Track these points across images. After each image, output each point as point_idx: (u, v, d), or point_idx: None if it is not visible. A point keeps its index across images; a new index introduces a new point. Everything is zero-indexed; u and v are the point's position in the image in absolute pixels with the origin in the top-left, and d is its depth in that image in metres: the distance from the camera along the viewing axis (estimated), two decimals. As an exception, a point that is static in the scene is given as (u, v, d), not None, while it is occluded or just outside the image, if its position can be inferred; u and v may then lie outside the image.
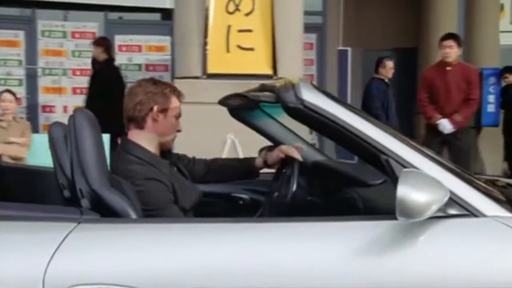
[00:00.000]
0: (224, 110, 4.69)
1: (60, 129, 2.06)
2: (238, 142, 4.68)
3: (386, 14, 9.35)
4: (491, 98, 8.30)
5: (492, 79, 8.26)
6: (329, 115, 1.80)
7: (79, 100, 8.24)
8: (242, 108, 2.65)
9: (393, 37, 9.29)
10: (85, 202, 1.80)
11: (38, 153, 5.45)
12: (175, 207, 2.15)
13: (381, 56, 7.07)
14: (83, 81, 8.24)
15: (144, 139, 2.24)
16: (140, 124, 2.24)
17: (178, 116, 2.33)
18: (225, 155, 4.63)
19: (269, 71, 5.08)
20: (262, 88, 2.12)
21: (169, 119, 2.28)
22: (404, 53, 9.30)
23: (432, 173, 1.70)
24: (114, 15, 8.46)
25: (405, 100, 8.35)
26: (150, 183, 2.11)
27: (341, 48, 9.08)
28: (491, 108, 8.31)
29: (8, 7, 8.09)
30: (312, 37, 8.86)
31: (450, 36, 5.65)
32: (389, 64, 6.89)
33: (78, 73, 8.23)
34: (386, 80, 6.90)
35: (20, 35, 8.05)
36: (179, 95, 2.32)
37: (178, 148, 4.85)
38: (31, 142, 5.38)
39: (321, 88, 1.96)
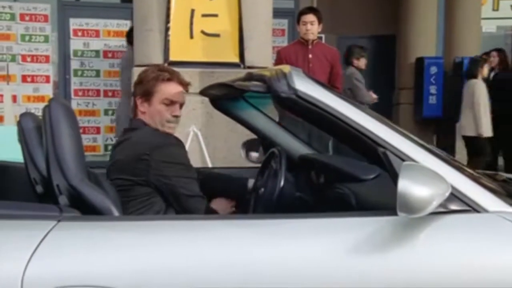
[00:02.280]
0: (187, 100, 4.69)
1: (31, 120, 2.04)
2: (201, 135, 4.68)
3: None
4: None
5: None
6: (324, 106, 1.83)
7: (29, 89, 8.10)
8: (225, 98, 2.66)
9: (369, 23, 9.44)
10: (63, 199, 1.80)
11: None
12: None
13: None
14: (34, 68, 8.10)
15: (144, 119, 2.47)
16: (136, 113, 2.47)
17: (167, 102, 2.45)
18: (187, 148, 4.62)
19: (236, 59, 5.05)
20: (250, 78, 2.15)
21: (155, 106, 2.42)
22: (382, 41, 9.46)
23: (433, 166, 1.75)
24: (68, -4, 8.32)
25: (383, 89, 8.48)
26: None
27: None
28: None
29: (-51, -13, 7.88)
30: (284, 23, 8.91)
31: (310, 10, 5.35)
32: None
33: (28, 59, 8.06)
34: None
35: (-38, 17, 7.86)
36: (177, 81, 2.48)
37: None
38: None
39: (313, 77, 1.99)
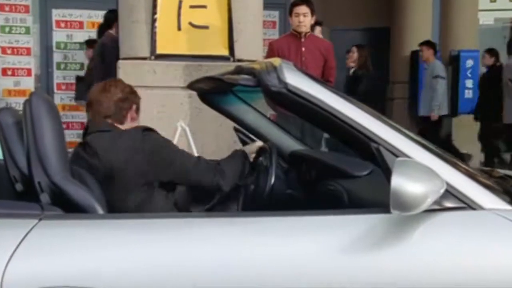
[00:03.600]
0: (174, 95, 4.66)
1: (10, 115, 2.03)
2: (189, 130, 4.67)
3: (355, -9, 9.51)
4: (469, 83, 8.48)
5: (470, 62, 8.45)
6: (315, 100, 1.84)
7: (10, 83, 8.05)
8: (214, 92, 2.66)
9: (363, 16, 9.47)
10: (44, 197, 1.79)
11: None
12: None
13: None
14: (15, 61, 8.05)
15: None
16: (120, 120, 2.54)
17: None
18: (175, 143, 4.62)
19: (225, 52, 5.03)
20: (239, 71, 2.15)
21: (139, 118, 2.62)
22: (375, 33, 9.48)
23: (427, 162, 1.76)
24: (50, -14, 8.27)
25: (376, 83, 8.50)
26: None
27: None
28: (468, 94, 8.49)
29: None
30: (275, 15, 8.92)
31: (303, 1, 5.25)
32: None
33: (8, 51, 8.02)
34: None
35: None
36: None
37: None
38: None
39: (305, 71, 1.99)
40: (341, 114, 1.83)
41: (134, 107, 2.59)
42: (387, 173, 1.72)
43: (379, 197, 1.84)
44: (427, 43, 8.04)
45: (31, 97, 1.95)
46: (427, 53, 7.96)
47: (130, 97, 2.59)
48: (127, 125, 2.54)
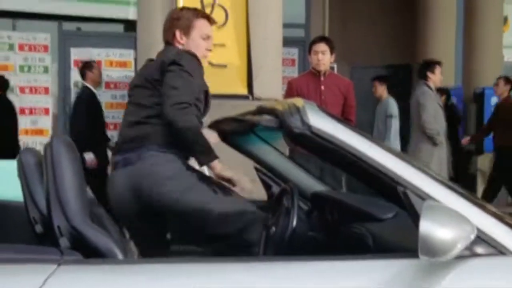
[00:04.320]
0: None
1: (32, 155, 2.06)
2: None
3: (375, 28, 9.57)
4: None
5: (494, 100, 8.40)
6: (339, 142, 1.84)
7: (27, 122, 8.16)
8: (235, 132, 2.67)
9: (384, 52, 9.50)
10: (64, 241, 1.80)
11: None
12: None
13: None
14: (32, 100, 8.18)
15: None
16: (170, 43, 3.00)
17: (204, 37, 3.01)
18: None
19: (244, 91, 5.08)
20: (261, 111, 2.16)
21: (194, 40, 2.97)
22: (397, 71, 9.50)
23: (457, 206, 1.74)
24: (69, 26, 8.44)
25: (400, 121, 8.48)
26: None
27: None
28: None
29: None
30: (294, 52, 9.00)
31: (322, 39, 5.36)
32: None
33: (26, 91, 8.16)
34: None
35: (-43, 47, 7.98)
36: (208, 18, 3.08)
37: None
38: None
39: (328, 112, 2.00)
40: (366, 157, 1.82)
41: (177, 32, 2.99)
42: (415, 218, 1.70)
43: (405, 241, 1.82)
44: (380, 78, 7.83)
45: (52, 140, 1.98)
46: (380, 89, 7.72)
47: (175, 24, 3.01)
48: None
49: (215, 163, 2.70)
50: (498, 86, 7.82)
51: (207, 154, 2.67)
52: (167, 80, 2.74)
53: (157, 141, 2.71)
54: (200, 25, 3.00)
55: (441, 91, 8.16)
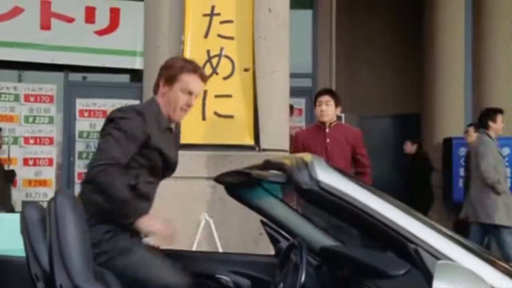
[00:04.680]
0: (198, 185, 4.67)
1: (35, 210, 2.05)
2: (213, 222, 4.65)
3: (383, 77, 9.65)
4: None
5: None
6: (349, 198, 1.82)
7: (31, 173, 8.18)
8: (241, 186, 2.66)
9: (392, 102, 9.55)
10: None
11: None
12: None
13: None
14: (37, 151, 8.22)
15: (159, 101, 3.01)
16: (155, 90, 3.03)
17: (185, 92, 2.98)
18: (198, 238, 4.60)
19: (250, 141, 5.07)
20: (268, 166, 2.15)
21: (175, 92, 2.96)
22: (406, 120, 9.52)
23: (470, 265, 1.71)
24: (75, 76, 8.55)
25: (403, 173, 8.47)
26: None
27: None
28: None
29: (-50, 65, 8.15)
30: (301, 102, 9.06)
31: (327, 91, 5.47)
32: None
33: (31, 141, 8.21)
34: None
35: (-36, 98, 8.06)
36: (200, 75, 3.04)
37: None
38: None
39: (337, 167, 1.99)
40: (377, 213, 1.80)
41: (161, 81, 2.99)
42: (428, 277, 1.66)
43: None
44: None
45: (57, 196, 1.97)
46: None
47: (162, 72, 3.03)
48: (158, 97, 2.99)
49: (139, 224, 2.68)
50: (468, 133, 7.81)
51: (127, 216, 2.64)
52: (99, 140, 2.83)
53: None
54: (187, 79, 2.98)
55: (412, 140, 8.22)
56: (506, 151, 8.52)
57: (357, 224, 1.97)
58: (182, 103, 2.99)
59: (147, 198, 3.01)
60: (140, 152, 2.85)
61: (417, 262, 1.75)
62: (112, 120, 2.83)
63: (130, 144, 2.78)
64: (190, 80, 2.99)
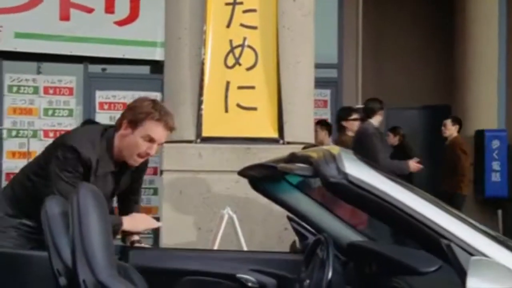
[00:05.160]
0: (221, 180, 4.66)
1: (57, 204, 2.07)
2: (236, 217, 4.65)
3: (411, 67, 9.56)
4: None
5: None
6: (378, 192, 1.81)
7: (51, 167, 8.26)
8: (266, 180, 2.66)
9: (420, 93, 9.47)
10: None
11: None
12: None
13: None
14: (56, 144, 8.29)
15: (116, 138, 2.96)
16: (116, 128, 2.98)
17: (147, 139, 2.93)
18: (221, 233, 4.60)
19: (274, 134, 5.06)
20: (294, 159, 2.15)
21: (136, 137, 2.91)
22: (435, 112, 9.44)
23: (505, 261, 1.69)
24: (95, 68, 8.61)
25: (435, 165, 8.38)
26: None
27: (359, 106, 9.20)
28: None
29: (-32, 57, 8.25)
30: (326, 93, 9.02)
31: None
32: None
33: (51, 134, 8.28)
34: None
35: (-18, 91, 8.13)
36: (165, 124, 2.95)
37: (169, 219, 4.80)
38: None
39: (366, 160, 1.98)
40: (407, 208, 1.79)
41: (124, 123, 2.93)
42: (461, 273, 1.65)
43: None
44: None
45: (79, 188, 1.98)
46: None
47: (128, 113, 2.95)
48: (117, 136, 2.96)
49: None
50: (445, 126, 7.81)
51: None
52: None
53: None
54: (150, 127, 2.92)
55: (394, 131, 8.19)
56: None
57: (386, 219, 1.95)
58: (142, 150, 2.95)
59: None
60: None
61: (450, 258, 1.73)
62: (56, 154, 2.88)
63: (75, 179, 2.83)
64: (155, 129, 2.92)
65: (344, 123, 6.81)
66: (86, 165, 2.87)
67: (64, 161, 2.85)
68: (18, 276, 2.36)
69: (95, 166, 2.89)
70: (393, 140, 8.40)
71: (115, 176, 3.06)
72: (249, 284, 2.80)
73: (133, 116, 2.92)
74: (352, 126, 6.74)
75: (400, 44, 9.66)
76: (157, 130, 2.92)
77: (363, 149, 5.86)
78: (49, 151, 2.99)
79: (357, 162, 1.89)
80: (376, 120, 6.38)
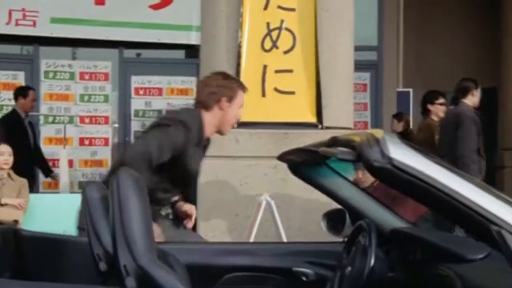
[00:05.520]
0: (258, 165, 4.67)
1: (97, 189, 2.10)
2: (274, 203, 4.65)
3: (455, 49, 9.41)
4: None
5: None
6: (424, 177, 1.79)
7: (87, 153, 8.38)
8: (306, 164, 2.66)
9: (464, 76, 9.30)
10: (130, 281, 1.80)
11: (34, 217, 5.52)
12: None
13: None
14: (92, 130, 8.41)
15: (206, 118, 3.33)
16: (207, 108, 3.36)
17: (240, 106, 3.43)
18: (259, 220, 4.61)
19: (313, 119, 5.06)
20: (335, 143, 2.14)
21: (234, 109, 3.39)
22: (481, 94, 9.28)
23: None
24: (130, 53, 8.66)
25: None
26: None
27: (401, 89, 9.10)
28: None
29: (6, 44, 8.36)
30: (366, 77, 8.93)
31: None
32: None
33: (87, 120, 8.40)
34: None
35: (20, 76, 8.28)
36: (243, 88, 3.47)
37: (206, 206, 4.85)
38: (27, 203, 5.46)
39: (411, 144, 1.96)
40: (455, 193, 1.76)
41: (223, 99, 3.34)
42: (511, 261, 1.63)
43: (499, 286, 1.74)
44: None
45: (119, 174, 2.01)
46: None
47: (221, 90, 3.35)
48: (212, 113, 3.33)
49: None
50: (393, 124, 7.90)
51: None
52: None
53: None
54: (241, 96, 3.43)
55: (399, 117, 8.05)
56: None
57: (433, 204, 1.94)
58: (238, 117, 3.51)
59: (159, 204, 3.31)
60: (167, 163, 3.13)
61: (500, 245, 1.71)
62: (158, 125, 3.26)
63: (167, 152, 3.11)
64: (242, 96, 3.44)
65: (430, 106, 6.67)
66: (192, 139, 3.21)
67: (167, 128, 3.15)
68: (60, 261, 2.40)
69: (198, 136, 3.26)
70: (397, 126, 8.30)
71: (203, 149, 3.46)
72: (305, 278, 2.75)
73: (230, 91, 3.37)
74: (438, 110, 6.61)
75: (443, 25, 9.50)
76: (243, 97, 3.45)
77: (456, 133, 5.65)
78: (146, 133, 3.31)
79: (402, 146, 1.87)
80: (470, 101, 6.14)
